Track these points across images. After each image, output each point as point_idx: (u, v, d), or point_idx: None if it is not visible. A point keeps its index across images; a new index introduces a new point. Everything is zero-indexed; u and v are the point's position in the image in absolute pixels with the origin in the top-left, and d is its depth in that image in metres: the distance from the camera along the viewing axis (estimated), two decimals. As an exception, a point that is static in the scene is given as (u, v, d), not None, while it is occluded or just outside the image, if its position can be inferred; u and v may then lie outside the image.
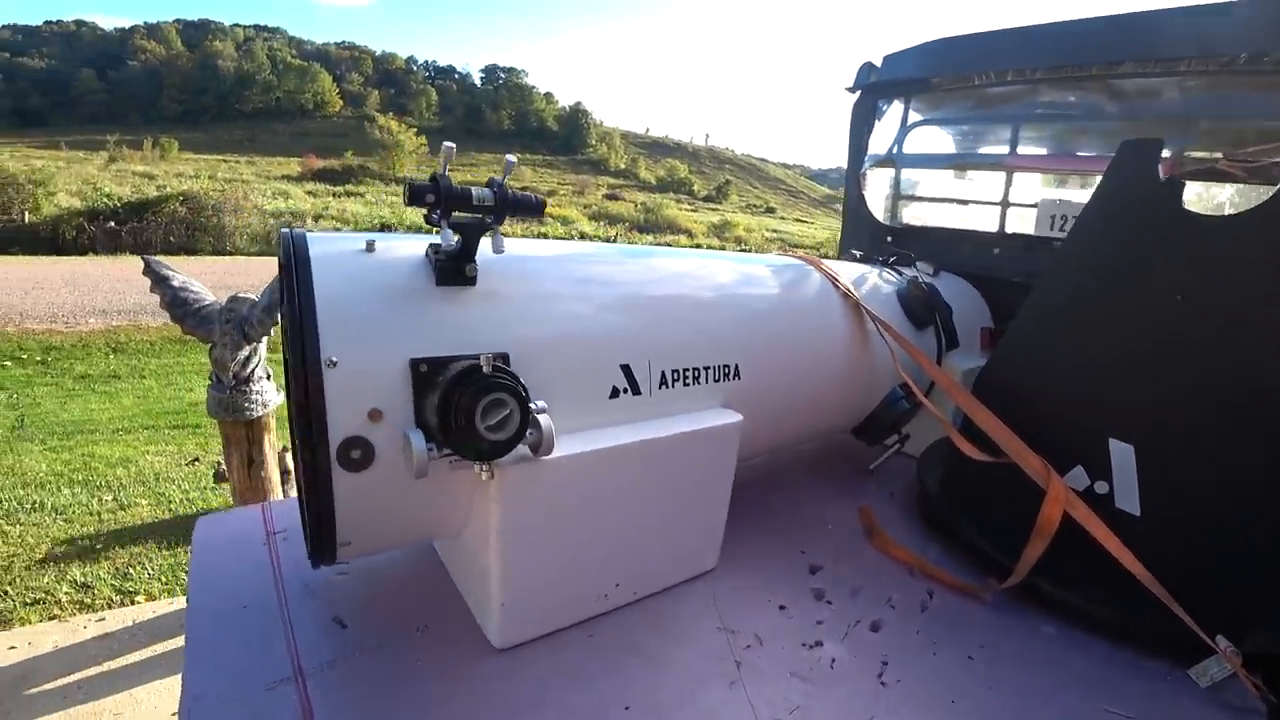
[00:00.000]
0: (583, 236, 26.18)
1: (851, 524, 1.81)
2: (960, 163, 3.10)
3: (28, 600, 3.96)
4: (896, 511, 1.91)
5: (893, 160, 3.09)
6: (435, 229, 1.03)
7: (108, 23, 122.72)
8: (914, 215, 3.20)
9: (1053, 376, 1.57)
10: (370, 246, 1.06)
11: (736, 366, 1.46)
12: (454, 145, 1.03)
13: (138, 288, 13.16)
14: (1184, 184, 1.41)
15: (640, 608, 1.35)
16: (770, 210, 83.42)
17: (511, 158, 1.07)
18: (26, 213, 18.90)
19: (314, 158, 53.90)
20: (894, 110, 3.06)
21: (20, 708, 3.07)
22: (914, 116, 3.04)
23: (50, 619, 3.82)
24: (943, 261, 2.52)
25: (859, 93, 3.08)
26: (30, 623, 3.77)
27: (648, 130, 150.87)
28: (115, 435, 6.65)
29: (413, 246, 1.12)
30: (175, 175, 37.59)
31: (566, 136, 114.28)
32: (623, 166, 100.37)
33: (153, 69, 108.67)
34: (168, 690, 3.25)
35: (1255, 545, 1.30)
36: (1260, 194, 2.15)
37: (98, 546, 4.62)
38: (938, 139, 3.15)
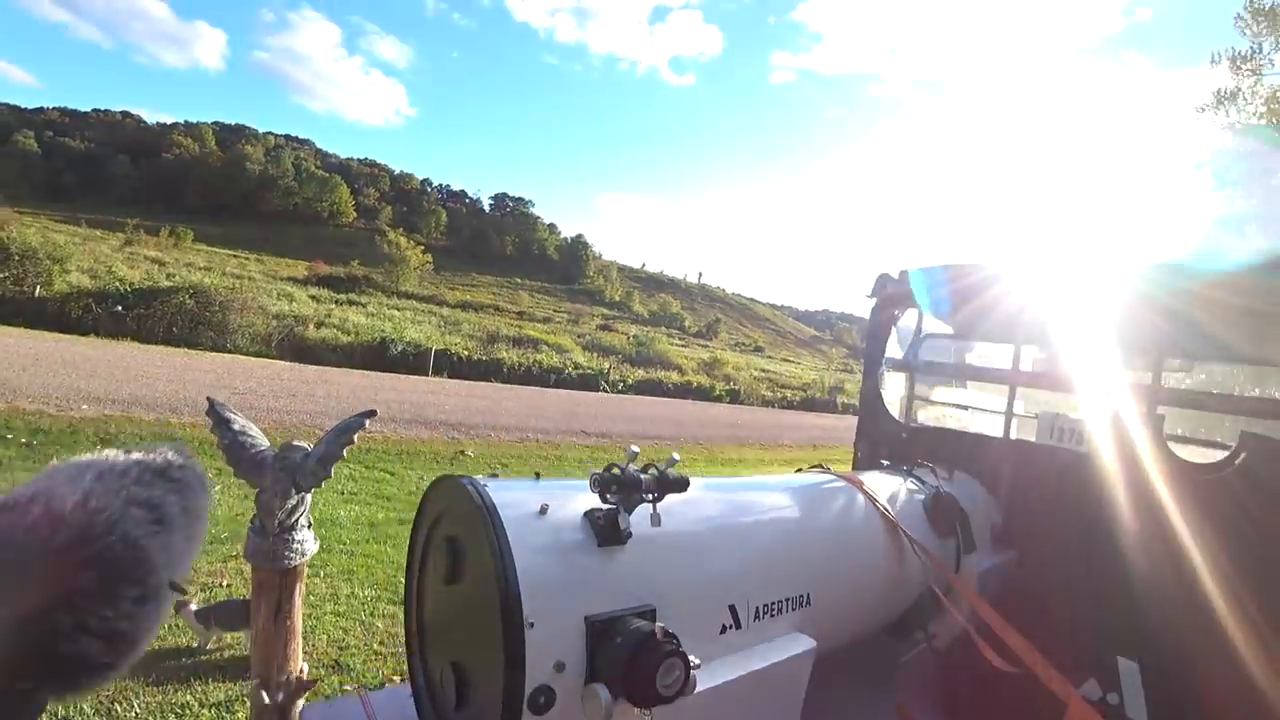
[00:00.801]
0: (576, 366, 26.62)
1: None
2: (969, 375, 3.44)
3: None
4: (929, 712, 2.06)
5: (909, 366, 3.42)
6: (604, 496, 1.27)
7: (152, 117, 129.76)
8: (928, 416, 3.49)
9: (1066, 593, 1.80)
10: (544, 510, 1.30)
11: (808, 595, 1.69)
12: (639, 450, 1.37)
13: (135, 376, 13.16)
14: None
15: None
16: (758, 349, 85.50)
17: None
18: (39, 286, 19.15)
19: (322, 263, 55.44)
20: (909, 319, 3.41)
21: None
22: (928, 327, 3.41)
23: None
24: (954, 461, 2.83)
25: (876, 299, 3.43)
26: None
27: (643, 265, 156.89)
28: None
29: (573, 505, 1.35)
30: (185, 265, 38.41)
31: (566, 266, 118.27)
32: (618, 299, 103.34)
33: (184, 162, 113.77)
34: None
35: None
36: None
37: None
38: (949, 348, 3.50)
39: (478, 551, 1.22)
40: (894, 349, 3.48)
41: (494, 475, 1.40)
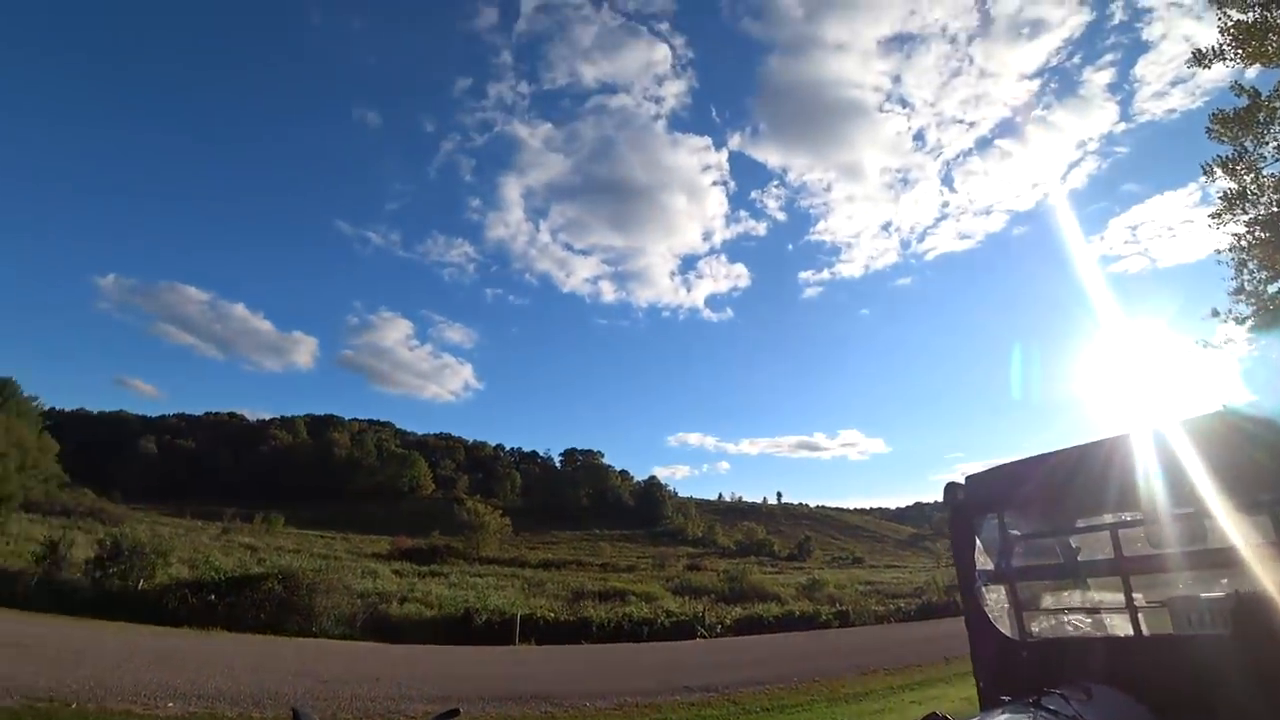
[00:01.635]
0: (668, 614, 24.68)
1: None
2: (1075, 573, 3.09)
3: None
4: None
5: (1004, 576, 3.08)
6: None
7: (253, 415, 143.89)
8: (1043, 626, 3.07)
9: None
10: None
11: None
12: None
13: (222, 669, 12.73)
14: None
15: None
16: (857, 560, 79.92)
17: None
18: (142, 580, 19.70)
19: (404, 537, 56.39)
20: (990, 524, 3.12)
21: None
22: (1012, 529, 3.11)
23: None
24: (1087, 672, 2.47)
25: (949, 511, 3.19)
26: None
27: (719, 496, 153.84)
28: None
29: None
30: (276, 549, 39.50)
31: (643, 510, 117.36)
32: (700, 535, 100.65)
33: (279, 452, 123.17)
34: None
35: None
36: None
37: None
38: (1043, 547, 3.20)
39: None
40: (982, 557, 3.19)
41: None
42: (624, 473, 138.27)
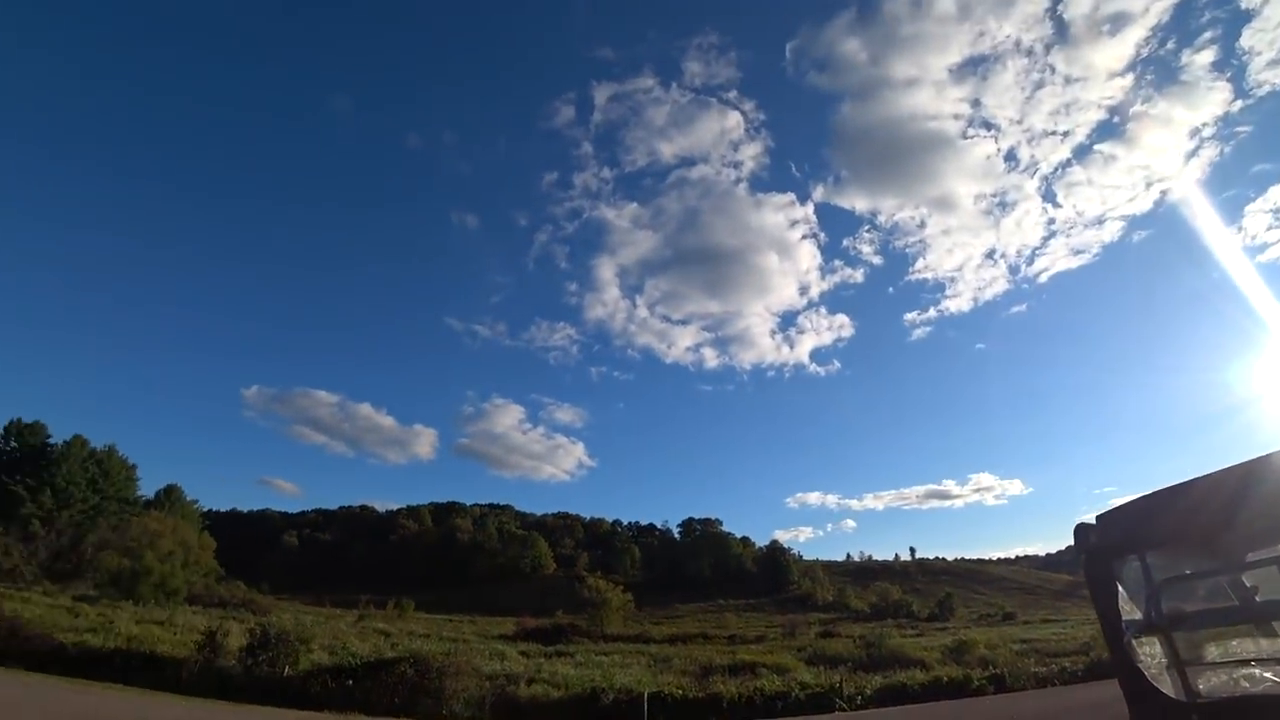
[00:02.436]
0: (803, 686, 22.98)
1: None
2: (1255, 615, 2.64)
3: None
4: None
5: (1158, 626, 2.57)
6: None
7: (383, 506, 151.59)
8: (1213, 684, 2.52)
9: None
10: None
11: None
12: None
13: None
14: None
15: None
16: (1008, 616, 72.39)
17: None
18: (287, 666, 20.61)
19: (528, 618, 56.62)
20: (1132, 568, 2.68)
21: None
22: (1159, 572, 2.63)
23: None
24: None
25: (1083, 556, 2.86)
26: None
27: (848, 556, 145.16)
28: None
29: None
30: (408, 633, 40.56)
31: (768, 577, 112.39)
32: (830, 599, 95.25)
33: (407, 540, 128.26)
34: None
35: None
36: None
37: None
38: (1202, 589, 2.75)
39: None
40: (1127, 606, 2.76)
41: None
42: (745, 539, 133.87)
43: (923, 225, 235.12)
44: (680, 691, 22.23)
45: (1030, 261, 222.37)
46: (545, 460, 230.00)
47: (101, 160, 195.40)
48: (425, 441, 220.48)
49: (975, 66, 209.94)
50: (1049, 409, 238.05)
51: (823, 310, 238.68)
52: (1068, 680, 25.09)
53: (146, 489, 77.86)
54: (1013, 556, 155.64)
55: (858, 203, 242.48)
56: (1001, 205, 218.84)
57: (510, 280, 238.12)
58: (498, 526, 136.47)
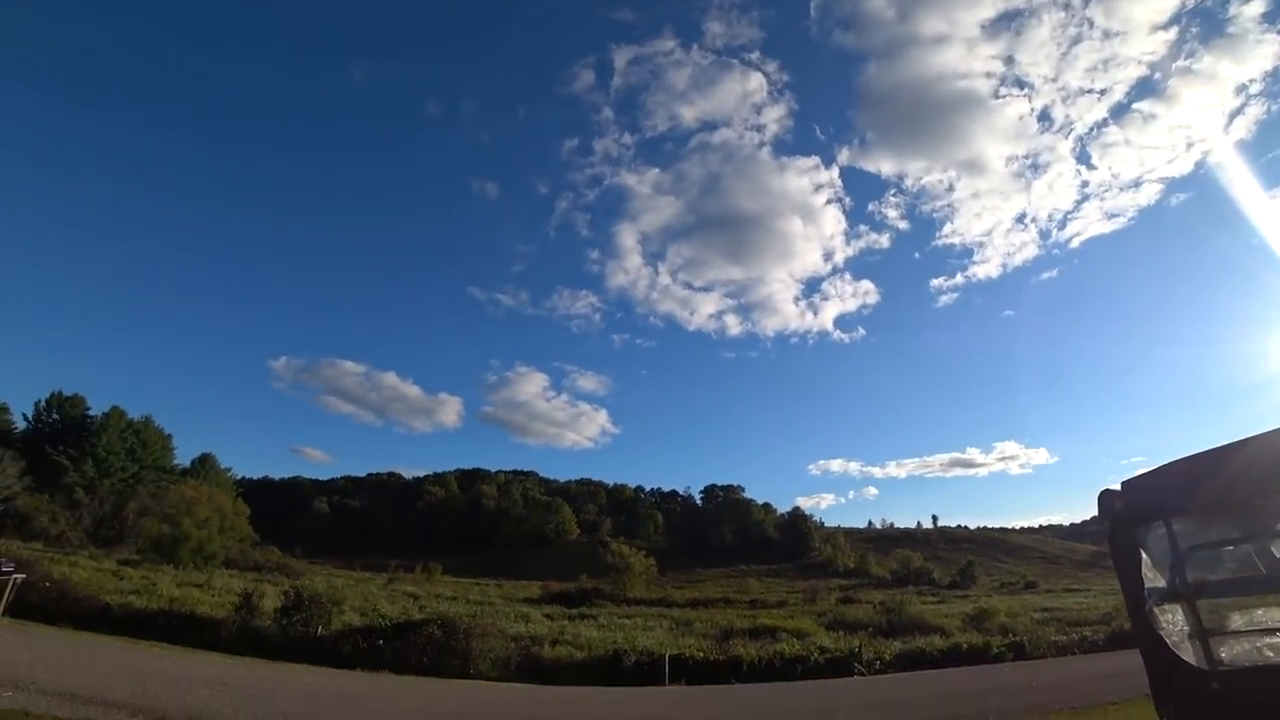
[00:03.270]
0: (822, 650, 23.39)
1: None
2: (1269, 584, 2.57)
3: None
4: None
5: (1182, 594, 2.57)
6: None
7: (410, 473, 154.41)
8: (1236, 653, 2.51)
9: None
10: None
11: None
12: None
13: (391, 709, 13.48)
14: None
15: None
16: (1030, 585, 72.10)
17: None
18: (320, 626, 21.42)
19: (553, 581, 57.88)
20: (1157, 535, 2.67)
21: None
22: (1184, 539, 2.60)
23: None
24: None
25: (1108, 523, 2.86)
26: None
27: (869, 523, 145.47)
28: None
29: None
30: (435, 596, 41.72)
31: (789, 543, 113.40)
32: (851, 566, 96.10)
33: (434, 507, 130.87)
34: None
35: None
36: None
37: None
38: (1228, 557, 2.69)
39: None
40: (1151, 574, 2.76)
41: None
42: (766, 506, 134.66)
43: (951, 189, 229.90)
44: (701, 654, 22.73)
45: (1062, 226, 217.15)
46: (568, 427, 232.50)
47: (123, 141, 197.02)
48: (450, 409, 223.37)
49: (1009, 21, 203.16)
50: (1077, 377, 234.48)
51: (847, 276, 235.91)
52: (1089, 649, 25.16)
53: (182, 458, 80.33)
54: (1036, 526, 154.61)
55: (884, 166, 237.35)
56: (1033, 167, 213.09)
57: (532, 249, 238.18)
58: (522, 493, 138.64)
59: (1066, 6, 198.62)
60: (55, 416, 74.77)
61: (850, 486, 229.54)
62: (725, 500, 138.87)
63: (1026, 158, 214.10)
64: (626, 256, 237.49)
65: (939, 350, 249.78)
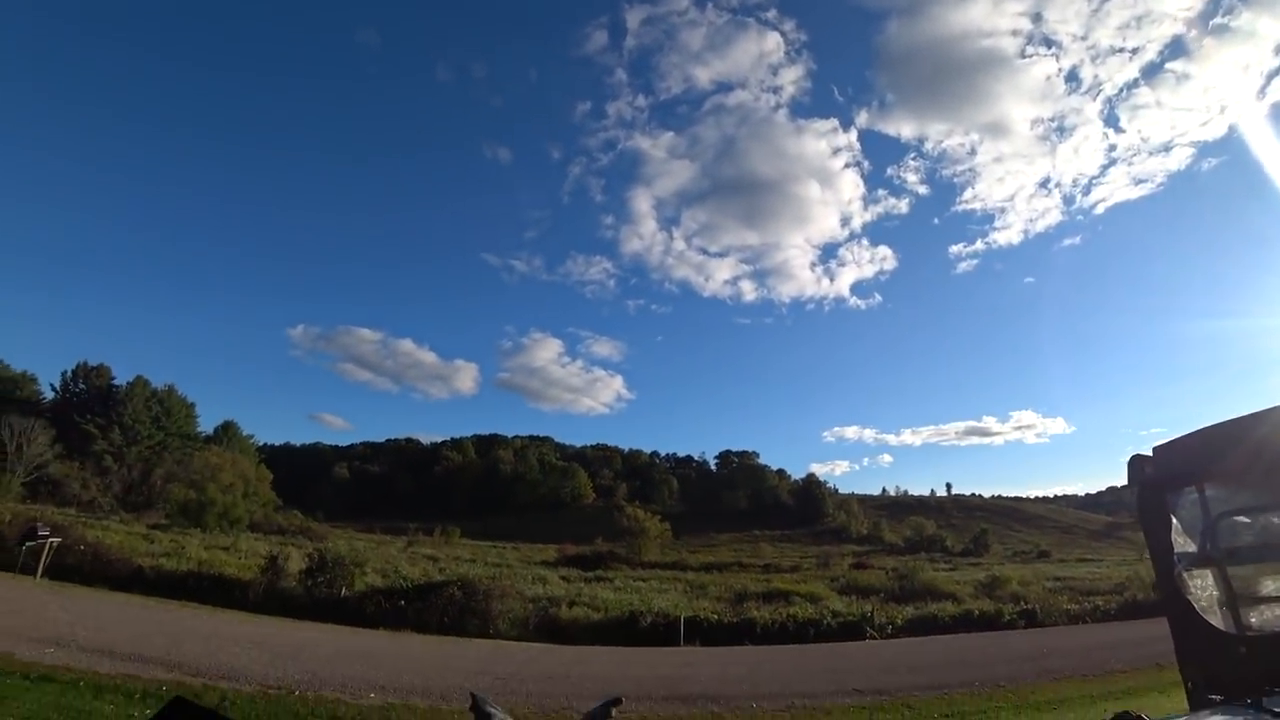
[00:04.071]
0: (834, 614, 23.81)
1: None
2: None
3: None
4: None
5: (1213, 559, 2.53)
6: None
7: (427, 439, 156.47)
8: (1266, 618, 2.49)
9: None
10: None
11: None
12: None
13: (413, 666, 13.92)
14: None
15: None
16: (1044, 554, 72.33)
17: None
18: (343, 587, 22.07)
19: (570, 544, 58.89)
20: (1188, 501, 2.63)
21: None
22: (1216, 505, 2.55)
23: None
24: None
25: (1137, 489, 2.75)
26: None
27: (883, 491, 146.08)
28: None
29: None
30: (454, 559, 42.61)
31: (803, 509, 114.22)
32: (865, 532, 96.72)
33: (451, 472, 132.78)
34: None
35: None
36: None
37: None
38: (1261, 524, 2.58)
39: None
40: (1180, 539, 2.69)
41: None
42: (781, 472, 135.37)
43: (973, 152, 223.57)
44: (715, 616, 23.18)
45: (1087, 191, 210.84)
46: (584, 393, 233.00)
47: (131, 109, 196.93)
48: (466, 376, 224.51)
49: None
50: (1098, 347, 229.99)
51: (864, 242, 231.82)
52: (1100, 619, 25.29)
53: (205, 426, 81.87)
54: (1051, 496, 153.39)
55: (904, 129, 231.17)
56: (1059, 130, 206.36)
57: (545, 214, 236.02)
58: (538, 458, 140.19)
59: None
60: (82, 386, 76.32)
61: (865, 453, 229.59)
62: (740, 466, 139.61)
63: (1052, 120, 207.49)
64: (641, 222, 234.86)
65: (957, 317, 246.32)
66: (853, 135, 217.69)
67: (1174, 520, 2.70)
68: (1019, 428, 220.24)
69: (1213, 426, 2.57)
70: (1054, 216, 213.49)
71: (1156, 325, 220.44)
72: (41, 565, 20.85)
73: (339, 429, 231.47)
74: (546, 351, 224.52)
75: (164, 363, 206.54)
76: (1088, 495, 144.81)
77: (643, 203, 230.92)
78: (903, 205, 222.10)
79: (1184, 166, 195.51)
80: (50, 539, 21.54)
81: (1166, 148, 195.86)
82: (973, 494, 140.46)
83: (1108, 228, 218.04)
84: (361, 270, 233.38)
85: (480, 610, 21.33)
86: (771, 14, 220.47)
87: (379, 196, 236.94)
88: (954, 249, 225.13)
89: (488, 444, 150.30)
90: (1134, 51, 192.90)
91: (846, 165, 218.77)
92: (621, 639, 20.78)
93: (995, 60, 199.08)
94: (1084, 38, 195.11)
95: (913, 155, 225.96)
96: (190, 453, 63.45)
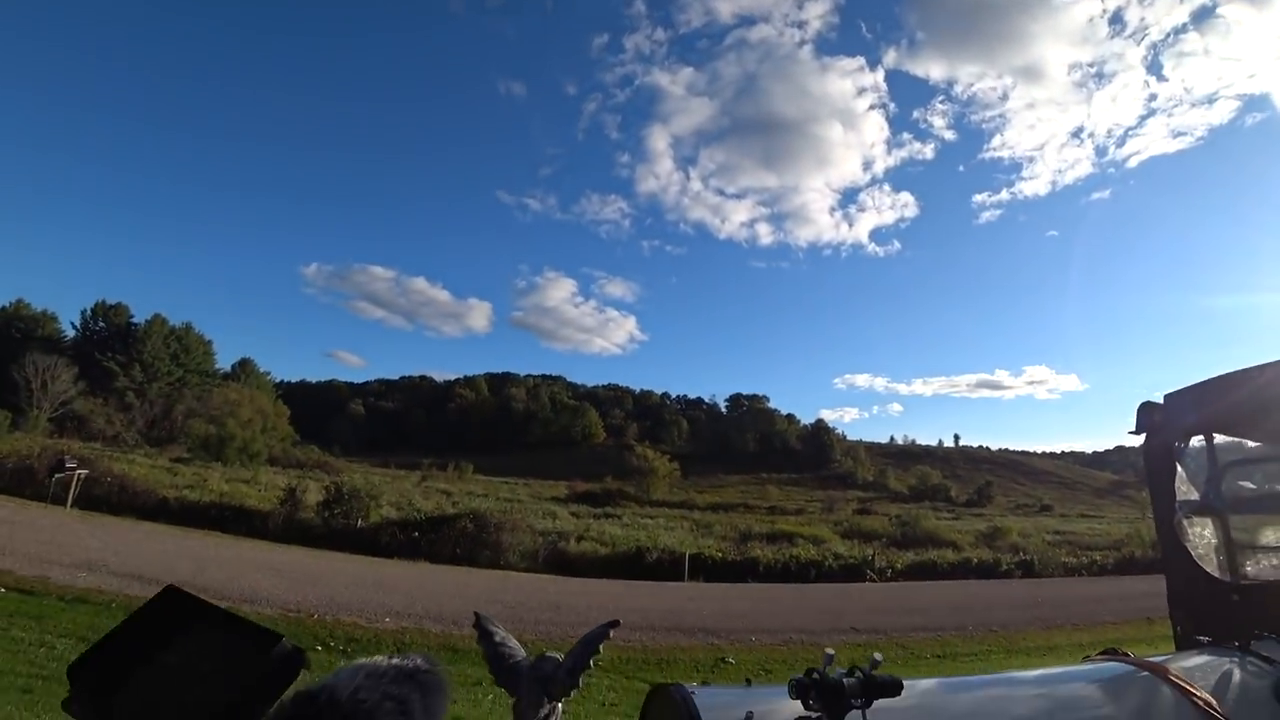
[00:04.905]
0: (836, 557, 24.50)
1: None
2: None
3: None
4: None
5: (1213, 508, 2.60)
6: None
7: (440, 376, 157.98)
8: (1261, 567, 2.60)
9: None
10: (748, 719, 1.24)
11: None
12: (834, 652, 1.25)
13: (426, 594, 14.51)
14: None
15: None
16: (1046, 508, 72.90)
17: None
18: (359, 519, 22.86)
19: (580, 482, 60.15)
20: (1195, 450, 2.67)
21: None
22: (1223, 454, 2.63)
23: None
24: None
25: (1145, 437, 2.77)
26: None
27: (891, 439, 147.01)
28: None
29: (781, 713, 1.22)
30: (467, 493, 43.75)
31: (811, 454, 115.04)
32: (870, 479, 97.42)
33: (464, 409, 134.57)
34: None
35: None
36: None
37: None
38: (1265, 473, 2.74)
39: None
40: (1184, 487, 2.73)
41: (705, 684, 1.41)
42: (790, 416, 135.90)
43: (1004, 97, 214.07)
44: (720, 554, 23.87)
45: (1121, 143, 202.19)
46: (597, 333, 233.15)
47: (146, 55, 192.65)
48: (480, 314, 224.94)
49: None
50: (1119, 305, 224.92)
51: (886, 187, 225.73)
52: (1097, 573, 25.81)
53: (222, 363, 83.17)
54: (1058, 452, 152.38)
55: (933, 70, 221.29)
56: (1098, 76, 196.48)
57: (560, 152, 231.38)
58: (550, 396, 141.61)
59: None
60: (101, 324, 77.36)
61: (875, 401, 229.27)
62: (750, 409, 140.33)
63: (1091, 65, 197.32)
64: (657, 161, 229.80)
65: (976, 268, 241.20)
66: (879, 75, 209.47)
67: (1179, 469, 2.73)
68: (1031, 383, 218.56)
69: (1224, 376, 2.57)
70: (1084, 168, 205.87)
71: (1181, 287, 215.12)
72: (71, 496, 21.67)
73: (354, 366, 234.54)
74: (560, 291, 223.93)
75: (180, 301, 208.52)
76: (1095, 453, 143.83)
77: (659, 141, 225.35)
78: (928, 150, 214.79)
79: (1226, 120, 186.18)
80: (78, 471, 22.33)
81: (1210, 100, 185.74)
82: (980, 446, 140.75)
83: (1140, 182, 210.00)
84: (374, 208, 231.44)
85: (491, 542, 22.07)
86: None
87: (391, 133, 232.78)
88: (978, 198, 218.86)
89: (501, 382, 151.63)
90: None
91: (871, 107, 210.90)
92: (628, 573, 21.45)
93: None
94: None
95: (941, 98, 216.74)
96: (209, 389, 64.68)
